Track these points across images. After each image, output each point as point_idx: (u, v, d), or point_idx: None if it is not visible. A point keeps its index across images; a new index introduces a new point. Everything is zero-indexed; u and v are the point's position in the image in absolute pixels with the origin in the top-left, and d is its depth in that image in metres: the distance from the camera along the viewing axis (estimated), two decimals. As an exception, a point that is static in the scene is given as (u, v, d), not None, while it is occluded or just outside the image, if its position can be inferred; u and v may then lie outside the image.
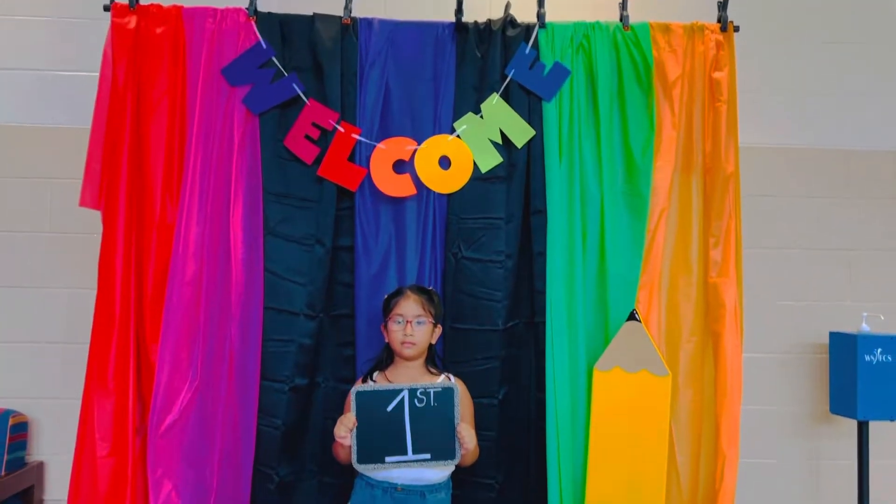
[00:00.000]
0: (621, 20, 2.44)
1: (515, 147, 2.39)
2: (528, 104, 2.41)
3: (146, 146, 2.33)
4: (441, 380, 2.20)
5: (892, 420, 2.75)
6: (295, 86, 2.35)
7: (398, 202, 2.40)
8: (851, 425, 2.84)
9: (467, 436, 2.05)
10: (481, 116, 2.38)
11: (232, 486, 2.26)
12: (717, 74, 2.42)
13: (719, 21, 2.46)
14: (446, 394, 2.05)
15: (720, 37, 2.44)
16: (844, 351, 2.78)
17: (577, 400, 2.34)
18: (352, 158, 2.36)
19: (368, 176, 2.35)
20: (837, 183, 2.98)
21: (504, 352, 2.37)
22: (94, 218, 2.35)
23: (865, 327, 2.81)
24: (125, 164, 2.30)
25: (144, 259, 2.31)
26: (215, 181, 2.33)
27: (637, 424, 2.23)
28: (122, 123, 2.31)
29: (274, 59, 2.36)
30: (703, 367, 2.41)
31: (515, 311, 2.41)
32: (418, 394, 2.04)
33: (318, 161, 2.35)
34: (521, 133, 2.38)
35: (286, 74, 2.35)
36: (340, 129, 2.34)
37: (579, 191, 2.39)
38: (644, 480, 2.21)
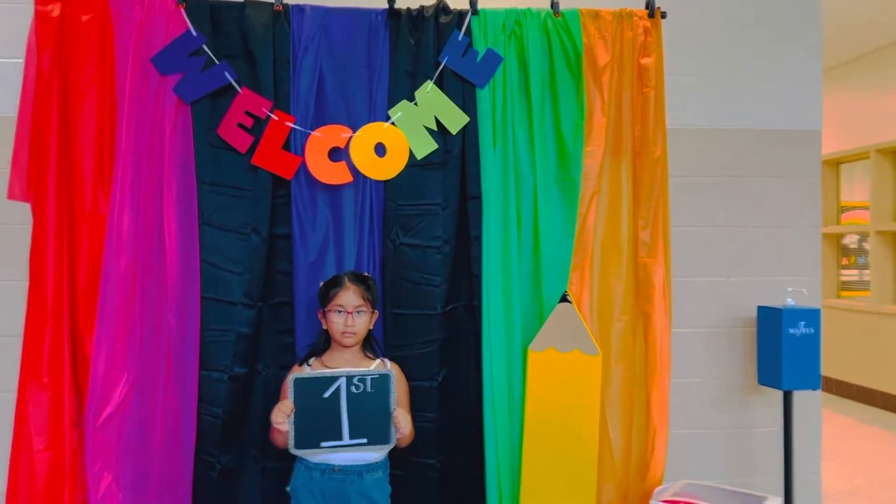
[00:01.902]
0: (552, 7, 2.49)
1: (450, 133, 2.42)
2: (461, 91, 2.44)
3: (75, 137, 2.29)
4: (377, 365, 2.24)
5: (814, 389, 2.89)
6: (227, 74, 2.33)
7: (335, 189, 2.41)
8: (779, 395, 2.98)
9: (403, 421, 2.10)
10: (416, 104, 2.40)
11: (173, 476, 2.28)
12: (644, 60, 2.49)
13: (647, 7, 2.52)
14: (382, 380, 2.09)
15: (648, 23, 2.50)
16: (771, 324, 2.90)
17: (514, 380, 2.41)
18: (286, 147, 2.37)
19: (304, 164, 2.36)
20: (763, 162, 3.08)
21: (443, 335, 2.43)
22: (27, 208, 2.31)
23: (790, 301, 2.93)
24: (54, 156, 2.27)
25: (76, 251, 2.28)
26: (147, 171, 2.31)
27: (570, 402, 2.31)
28: (48, 114, 2.27)
29: (204, 46, 2.34)
30: (634, 344, 2.50)
31: (454, 294, 2.46)
32: (355, 380, 2.07)
33: (252, 149, 2.35)
34: (455, 120, 2.41)
35: (217, 62, 2.34)
36: (274, 117, 2.33)
37: (513, 176, 2.45)
38: (577, 456, 2.29)
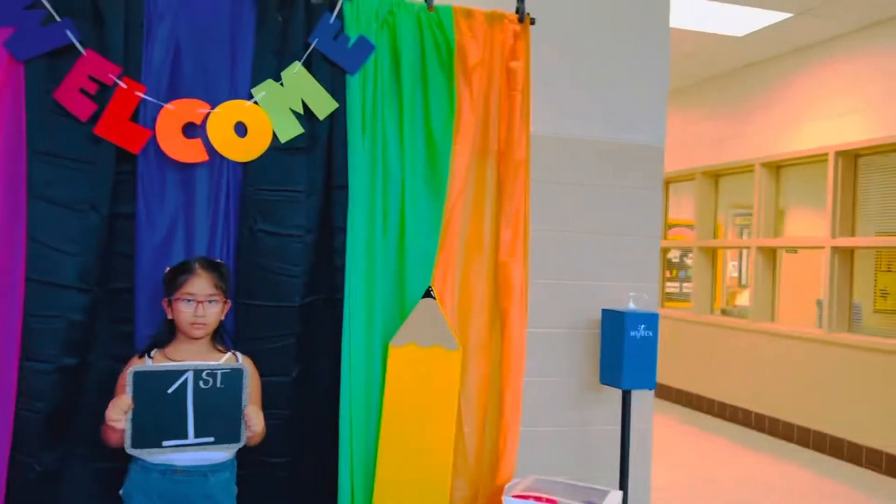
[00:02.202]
0: (426, 0, 2.46)
1: (317, 119, 2.33)
2: (331, 76, 2.35)
3: None
4: (227, 358, 2.10)
5: (650, 389, 3.07)
6: (69, 33, 2.10)
7: (187, 168, 2.24)
8: (616, 394, 3.14)
9: (255, 419, 1.98)
10: (282, 84, 2.29)
11: (-19, 479, 2.00)
12: (513, 64, 2.53)
13: (517, 12, 2.56)
14: (234, 375, 1.95)
15: (518, 27, 2.55)
16: (614, 326, 3.05)
17: (373, 376, 2.36)
18: (135, 118, 2.17)
19: (154, 138, 2.17)
20: (612, 172, 3.22)
21: (300, 329, 2.32)
22: None
23: (631, 305, 3.10)
24: None
25: None
26: (-36, 134, 2.03)
27: (428, 398, 2.29)
28: None
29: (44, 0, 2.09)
30: (492, 342, 2.53)
31: (314, 287, 2.36)
32: (204, 375, 1.92)
33: (94, 119, 2.13)
34: (323, 104, 2.32)
35: (59, 19, 2.10)
36: (122, 84, 2.13)
37: (381, 168, 2.39)
38: (432, 453, 2.27)
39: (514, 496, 2.25)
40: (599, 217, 3.21)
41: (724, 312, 6.60)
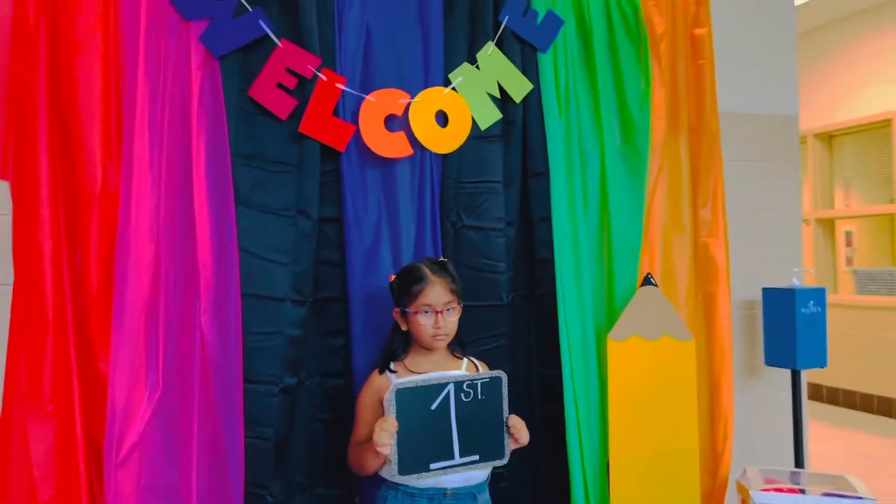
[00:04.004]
0: (608, -31, 2.31)
1: (511, 102, 2.17)
2: (521, 55, 2.20)
3: (72, 96, 1.78)
4: (466, 364, 1.92)
5: (822, 367, 2.94)
6: (262, 23, 1.93)
7: (387, 164, 2.08)
8: (776, 376, 3.00)
9: (523, 430, 1.78)
10: (477, 67, 2.13)
11: (216, 517, 1.83)
12: (698, 31, 2.38)
13: (697, -24, 2.42)
14: (494, 383, 1.77)
15: (698, -7, 2.40)
16: (780, 304, 2.91)
17: (589, 373, 2.20)
18: (335, 113, 2.00)
19: (356, 134, 2.01)
20: (749, 147, 3.08)
21: (509, 328, 2.17)
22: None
23: (796, 281, 2.96)
24: (43, 121, 1.75)
25: (82, 239, 1.77)
26: (170, 139, 1.85)
27: (660, 395, 2.13)
28: (34, 68, 1.76)
29: (235, -12, 1.92)
30: (696, 329, 2.38)
31: (517, 282, 2.21)
32: (465, 386, 1.74)
33: (293, 116, 1.96)
34: (519, 86, 2.16)
35: (250, 9, 1.93)
36: (323, 77, 1.96)
37: (577, 150, 2.24)
38: (675, 453, 2.11)
39: (763, 489, 2.09)
40: (736, 194, 3.07)
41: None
